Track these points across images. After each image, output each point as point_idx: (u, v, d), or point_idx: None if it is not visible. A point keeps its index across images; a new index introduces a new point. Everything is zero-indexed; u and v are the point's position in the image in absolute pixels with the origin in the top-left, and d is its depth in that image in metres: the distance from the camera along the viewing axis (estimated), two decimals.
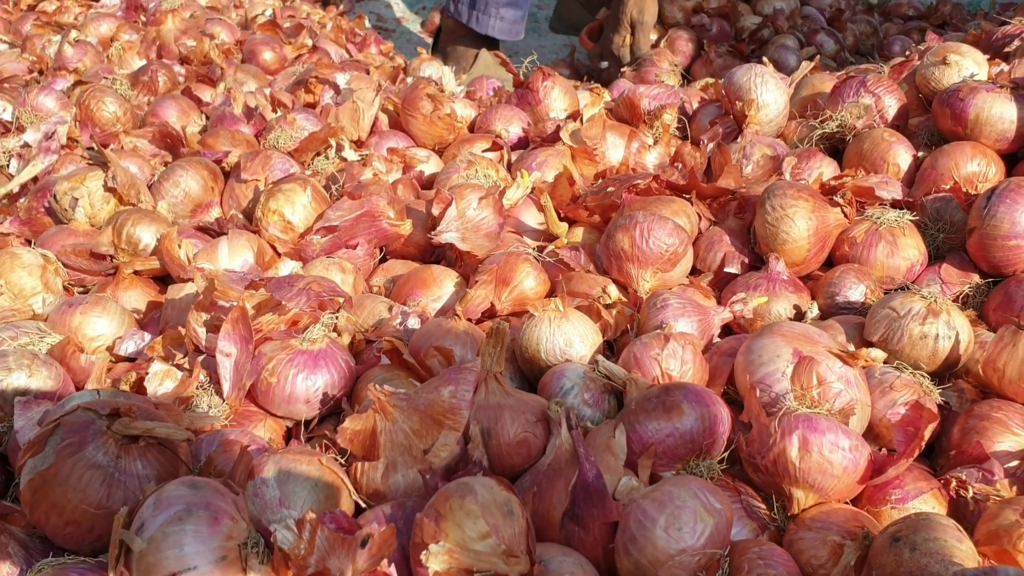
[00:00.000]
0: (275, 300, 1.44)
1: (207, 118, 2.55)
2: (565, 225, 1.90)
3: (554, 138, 2.20)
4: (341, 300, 1.50)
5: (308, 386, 1.37)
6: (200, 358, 1.43)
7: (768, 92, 2.16)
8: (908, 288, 1.52)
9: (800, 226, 1.67)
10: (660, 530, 1.08)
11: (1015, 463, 1.31)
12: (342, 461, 1.24)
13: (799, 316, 1.62)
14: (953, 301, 1.63)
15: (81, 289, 1.88)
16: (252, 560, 1.02)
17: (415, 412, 1.23)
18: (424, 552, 1.00)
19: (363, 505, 1.19)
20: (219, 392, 1.39)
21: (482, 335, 1.52)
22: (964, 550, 1.04)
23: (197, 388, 1.39)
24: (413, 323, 1.60)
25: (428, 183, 2.21)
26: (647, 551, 1.08)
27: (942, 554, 1.03)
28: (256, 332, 1.42)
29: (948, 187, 1.78)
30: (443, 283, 1.76)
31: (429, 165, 2.23)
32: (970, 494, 1.25)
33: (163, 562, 0.97)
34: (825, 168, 1.93)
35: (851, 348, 1.42)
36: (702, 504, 1.10)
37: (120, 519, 1.04)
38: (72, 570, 1.07)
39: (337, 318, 1.47)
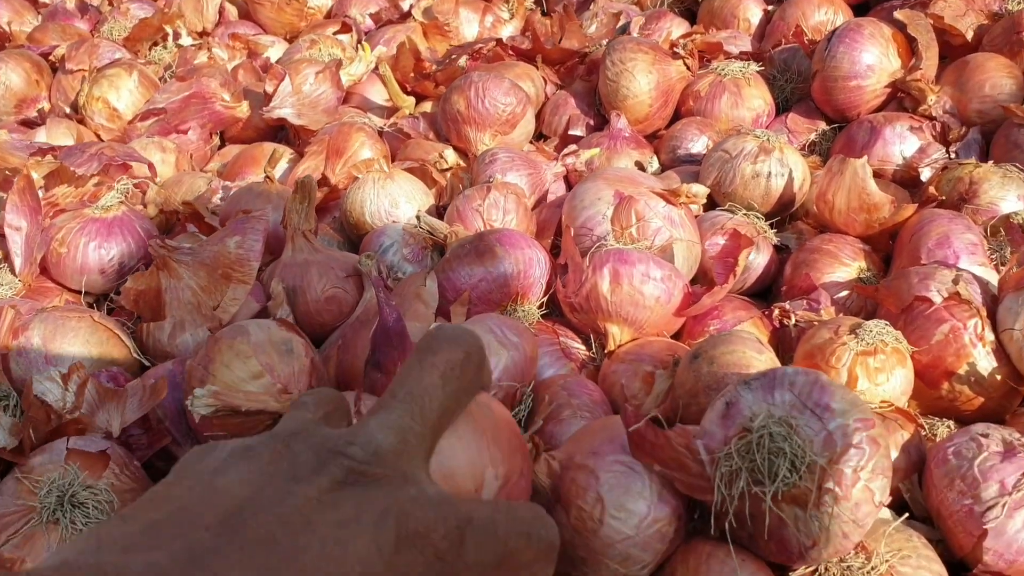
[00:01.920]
0: (69, 170, 1.33)
1: None
2: (411, 99, 1.82)
3: (407, 16, 2.10)
4: (144, 167, 1.39)
5: (102, 255, 1.28)
6: None
7: None
8: (742, 131, 1.47)
9: (641, 80, 1.61)
10: None
11: (845, 293, 1.28)
12: (131, 325, 1.16)
13: None
14: (800, 149, 1.60)
15: None
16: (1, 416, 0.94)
17: (201, 267, 1.14)
18: (189, 398, 0.93)
19: (148, 365, 1.11)
20: (12, 269, 1.29)
21: None
22: (763, 360, 1.01)
23: None
24: (231, 196, 1.50)
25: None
26: None
27: (739, 365, 0.99)
28: (52, 206, 1.32)
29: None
30: (276, 161, 1.66)
31: (275, 50, 2.11)
32: (792, 322, 1.21)
33: None
34: (675, 28, 1.87)
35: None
36: (496, 338, 1.04)
37: None
38: None
39: (137, 185, 1.37)
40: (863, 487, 0.83)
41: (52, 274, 1.30)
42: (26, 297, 1.27)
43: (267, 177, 1.41)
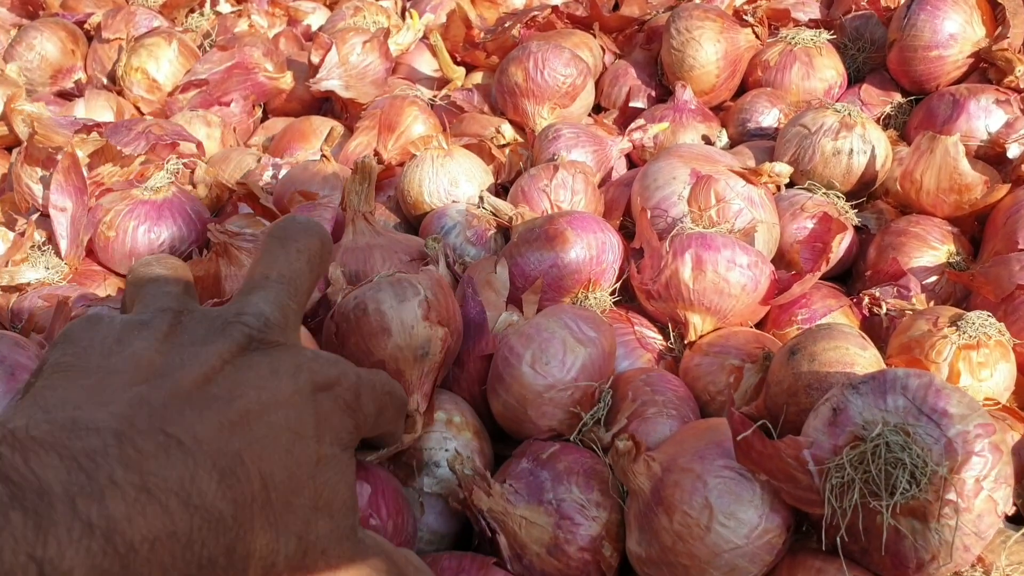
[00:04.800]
0: (114, 149, 1.27)
1: None
2: (461, 70, 1.74)
3: None
4: (192, 146, 1.33)
5: (151, 239, 1.22)
6: (34, 216, 1.27)
7: None
8: (821, 104, 1.38)
9: (708, 49, 1.53)
10: (527, 366, 0.96)
11: (934, 278, 1.21)
12: None
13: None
14: (875, 122, 1.51)
15: None
16: None
17: None
18: None
19: None
20: (59, 252, 1.24)
21: None
22: (867, 358, 0.94)
23: (32, 248, 1.23)
24: (285, 175, 1.44)
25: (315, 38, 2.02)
26: (514, 390, 0.96)
27: (843, 363, 0.92)
28: (98, 186, 1.26)
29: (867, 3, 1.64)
30: (324, 134, 1.60)
31: (316, 17, 2.04)
32: (884, 310, 1.14)
33: None
34: None
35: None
36: (572, 334, 0.98)
37: None
38: None
39: (190, 165, 1.30)
40: (986, 497, 0.77)
41: (99, 258, 1.24)
42: (72, 281, 1.22)
43: (323, 156, 1.34)
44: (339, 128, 1.54)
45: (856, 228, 1.31)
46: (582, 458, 0.92)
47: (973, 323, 0.99)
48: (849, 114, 1.32)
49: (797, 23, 1.64)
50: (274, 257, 0.58)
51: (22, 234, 1.24)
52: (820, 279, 1.24)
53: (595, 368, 0.98)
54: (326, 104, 1.78)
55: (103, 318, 0.53)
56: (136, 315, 0.54)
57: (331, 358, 0.56)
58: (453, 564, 0.87)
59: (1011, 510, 0.81)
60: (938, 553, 0.78)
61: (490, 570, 0.86)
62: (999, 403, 0.98)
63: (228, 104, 1.69)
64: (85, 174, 1.23)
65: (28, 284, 1.17)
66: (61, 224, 1.22)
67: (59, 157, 1.26)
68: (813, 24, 1.64)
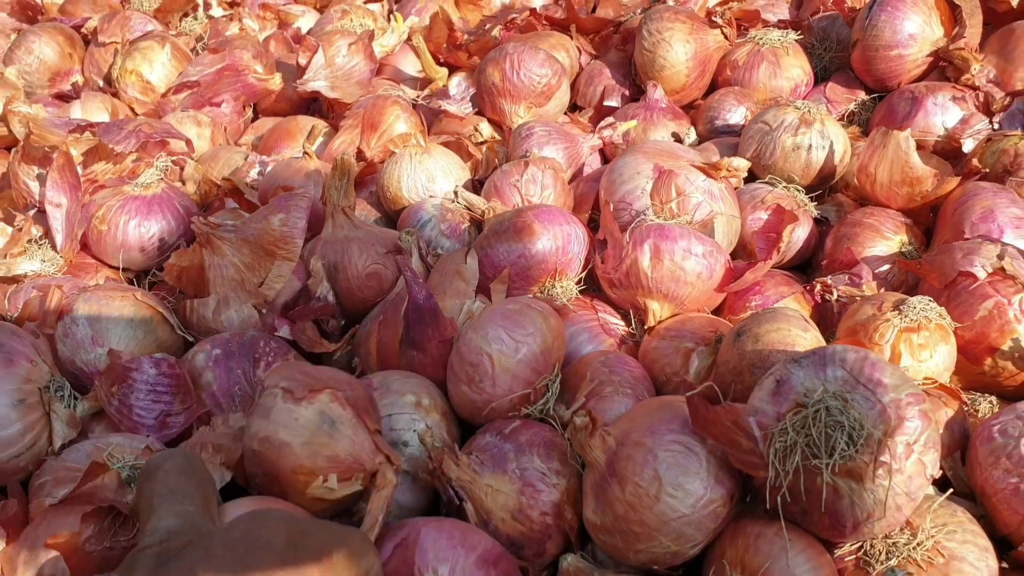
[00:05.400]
0: (107, 147, 1.33)
1: None
2: (444, 70, 1.80)
3: None
4: (182, 144, 1.39)
5: (142, 233, 1.29)
6: (31, 211, 1.33)
7: None
8: (782, 102, 1.45)
9: (678, 50, 1.59)
10: (464, 386, 1.03)
11: (887, 267, 1.27)
12: (172, 300, 1.17)
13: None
14: (839, 119, 1.57)
15: None
16: (56, 404, 0.95)
17: (244, 244, 1.15)
18: None
19: (192, 340, 1.12)
20: (54, 246, 1.30)
21: None
22: (808, 339, 1.00)
23: (29, 243, 1.30)
24: (269, 172, 1.50)
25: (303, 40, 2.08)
26: (460, 403, 1.05)
27: (785, 343, 0.99)
28: (91, 183, 1.33)
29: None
30: (315, 136, 1.66)
31: (306, 20, 2.10)
32: (835, 297, 1.21)
33: None
34: None
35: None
36: (502, 346, 1.02)
37: None
38: None
39: (176, 162, 1.37)
40: (916, 460, 0.83)
41: (92, 251, 1.31)
42: (67, 273, 1.28)
43: (305, 153, 1.41)
44: (321, 126, 1.60)
45: (817, 220, 1.37)
46: (542, 431, 0.98)
47: (914, 307, 1.06)
48: (809, 111, 1.38)
49: (767, 24, 1.70)
50: (149, 488, 0.74)
51: (20, 229, 1.30)
52: (777, 268, 1.30)
53: (533, 367, 1.02)
54: (314, 104, 1.85)
55: None
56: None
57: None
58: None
59: (938, 473, 0.87)
60: (873, 512, 0.84)
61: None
62: (936, 382, 1.03)
63: (219, 105, 1.75)
64: (79, 172, 1.30)
65: (24, 275, 1.24)
66: (56, 219, 1.28)
67: (54, 156, 1.33)
68: (782, 25, 1.71)
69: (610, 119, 1.51)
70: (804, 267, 1.38)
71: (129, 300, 1.06)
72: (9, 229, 1.33)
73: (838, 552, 0.90)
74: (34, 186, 1.35)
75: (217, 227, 1.13)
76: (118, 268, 1.31)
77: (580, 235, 1.22)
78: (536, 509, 0.94)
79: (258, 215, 1.17)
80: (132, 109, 1.75)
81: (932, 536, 0.87)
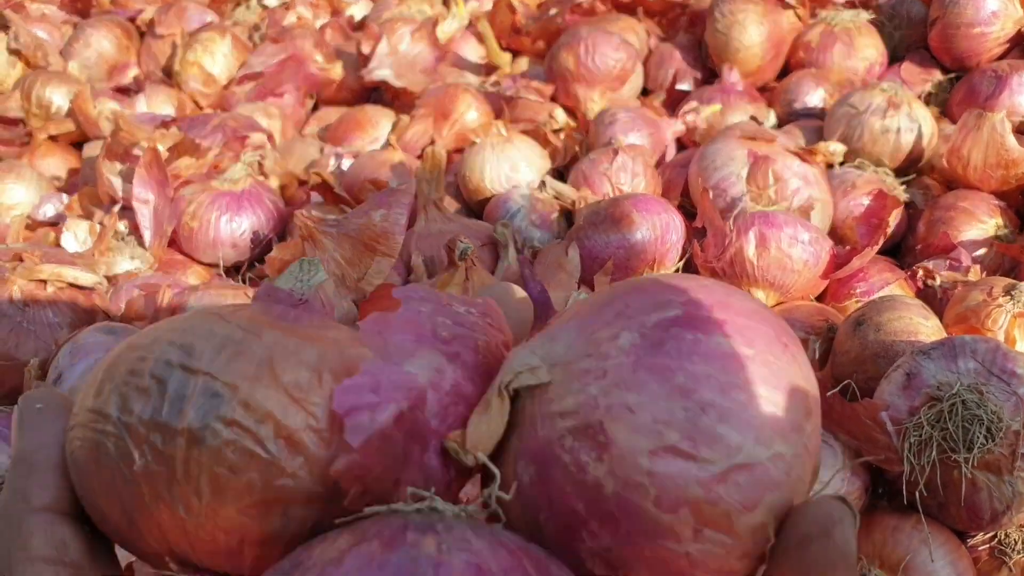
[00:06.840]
0: (192, 142, 1.32)
1: None
2: (508, 55, 1.79)
3: None
4: (264, 137, 1.38)
5: (233, 228, 1.28)
6: (117, 208, 1.32)
7: None
8: (867, 84, 1.43)
9: (752, 31, 1.57)
10: None
11: (982, 251, 1.26)
12: None
13: None
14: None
15: None
16: None
17: (346, 239, 1.14)
18: None
19: None
20: (141, 243, 1.30)
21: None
22: (930, 327, 0.99)
23: (117, 240, 1.29)
24: (348, 164, 1.49)
25: (359, 28, 2.06)
26: None
27: (907, 332, 0.98)
28: (175, 178, 1.32)
29: None
30: (379, 123, 1.65)
31: (359, 7, 2.08)
32: (938, 282, 1.19)
33: None
34: None
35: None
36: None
37: (31, 370, 0.97)
38: None
39: (261, 157, 1.36)
40: None
41: (183, 247, 1.30)
42: (158, 271, 1.28)
43: (390, 145, 1.39)
44: (405, 119, 1.59)
45: (904, 204, 1.36)
46: None
47: None
48: (896, 93, 1.36)
49: (836, 3, 1.68)
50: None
51: (105, 227, 1.29)
52: (879, 256, 1.29)
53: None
54: (374, 93, 1.83)
55: None
56: None
57: None
58: None
59: None
60: (1012, 503, 0.83)
61: None
62: None
63: (282, 96, 1.74)
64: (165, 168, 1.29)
65: (116, 275, 1.23)
66: (144, 216, 1.28)
67: (138, 152, 1.32)
68: (852, 4, 1.68)
69: (693, 103, 1.49)
70: (893, 251, 1.37)
71: (241, 297, 1.06)
72: (97, 226, 1.32)
73: (971, 542, 0.90)
74: (117, 182, 1.34)
75: (320, 221, 1.12)
76: (208, 264, 1.30)
77: (678, 224, 1.21)
78: None
79: (359, 210, 1.16)
80: (195, 101, 1.74)
81: None
